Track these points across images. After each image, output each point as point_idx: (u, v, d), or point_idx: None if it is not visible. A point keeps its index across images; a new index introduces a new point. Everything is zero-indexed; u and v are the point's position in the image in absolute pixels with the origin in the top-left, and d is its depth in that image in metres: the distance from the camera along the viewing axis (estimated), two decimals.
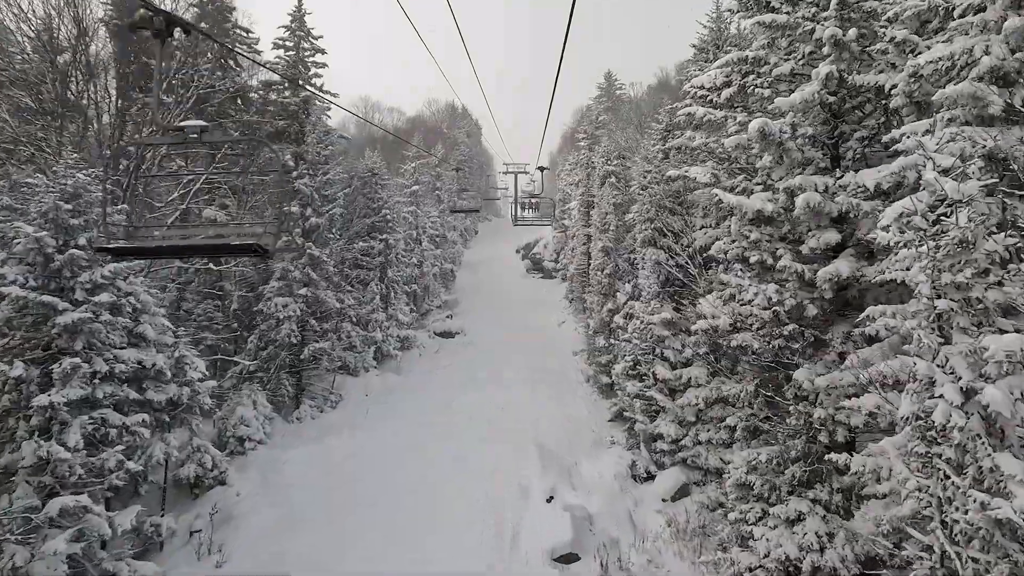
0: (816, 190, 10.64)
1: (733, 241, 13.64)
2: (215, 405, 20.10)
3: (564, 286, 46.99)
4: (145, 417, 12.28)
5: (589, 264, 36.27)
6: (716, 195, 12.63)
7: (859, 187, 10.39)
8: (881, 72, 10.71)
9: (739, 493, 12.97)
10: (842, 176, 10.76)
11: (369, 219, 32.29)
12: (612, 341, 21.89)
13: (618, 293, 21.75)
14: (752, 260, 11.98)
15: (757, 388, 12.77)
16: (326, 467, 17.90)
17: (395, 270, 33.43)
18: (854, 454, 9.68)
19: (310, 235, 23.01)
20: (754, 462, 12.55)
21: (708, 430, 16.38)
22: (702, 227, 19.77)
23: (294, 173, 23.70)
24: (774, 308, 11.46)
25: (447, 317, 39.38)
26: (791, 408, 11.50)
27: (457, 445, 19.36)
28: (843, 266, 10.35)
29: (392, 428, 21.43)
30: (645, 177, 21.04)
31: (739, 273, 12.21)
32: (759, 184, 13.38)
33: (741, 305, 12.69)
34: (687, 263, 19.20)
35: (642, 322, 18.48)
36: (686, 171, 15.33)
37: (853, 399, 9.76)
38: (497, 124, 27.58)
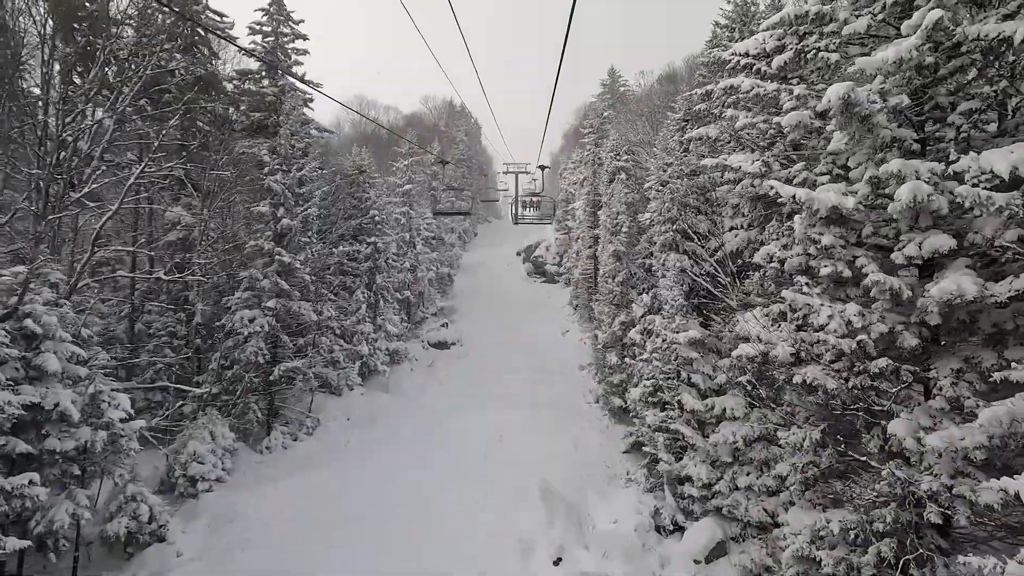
0: (919, 178, 7.83)
1: (790, 246, 10.84)
2: (165, 438, 17.47)
3: (567, 291, 44.23)
4: (34, 477, 9.49)
5: (596, 269, 33.50)
6: (770, 188, 9.81)
7: (982, 173, 7.58)
8: (1008, 19, 7.92)
9: (800, 568, 10.17)
10: (956, 160, 7.95)
11: (355, 221, 29.55)
12: (627, 360, 19.08)
13: (633, 305, 18.94)
14: (823, 271, 9.16)
15: (825, 435, 9.94)
16: (289, 516, 15.09)
17: (385, 276, 30.66)
18: (981, 546, 6.90)
19: (282, 239, 20.22)
20: (822, 531, 9.75)
21: (748, 473, 13.56)
22: (731, 228, 17.01)
23: (265, 169, 20.95)
24: (857, 336, 8.65)
25: (443, 326, 36.59)
26: (880, 468, 8.69)
27: (447, 486, 16.55)
28: (966, 283, 7.51)
29: (373, 462, 18.63)
30: (665, 171, 18.25)
31: (804, 288, 9.38)
32: (823, 174, 10.59)
33: (802, 329, 9.90)
34: (716, 271, 16.40)
35: (664, 340, 15.67)
36: (724, 159, 12.48)
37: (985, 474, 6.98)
38: (497, 122, 25.52)
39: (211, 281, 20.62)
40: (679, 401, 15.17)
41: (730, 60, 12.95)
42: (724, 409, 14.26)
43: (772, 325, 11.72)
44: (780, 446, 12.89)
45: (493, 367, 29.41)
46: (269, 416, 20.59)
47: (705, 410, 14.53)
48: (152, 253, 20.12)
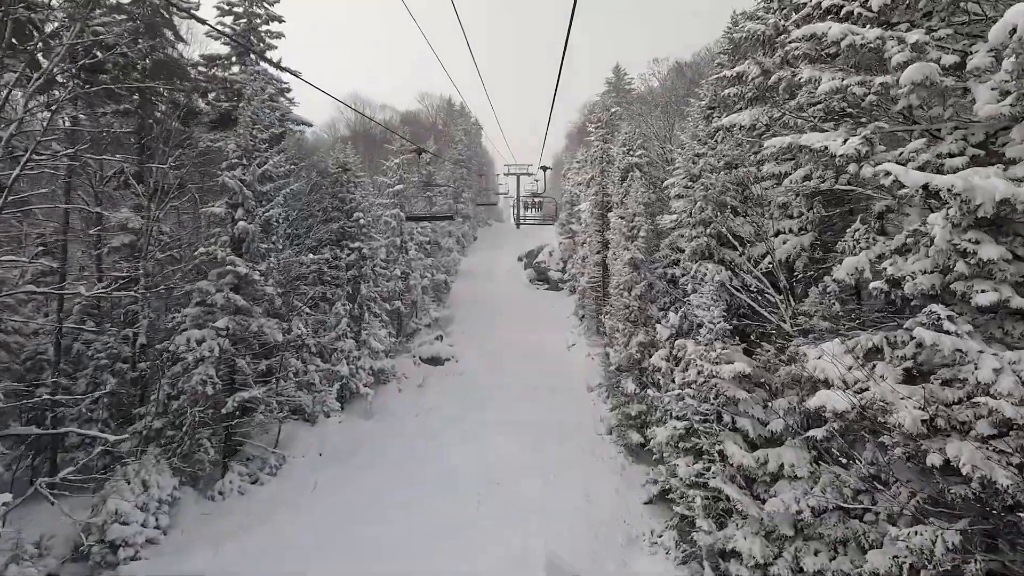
0: None
1: (896, 257, 7.69)
2: (91, 486, 14.39)
3: (572, 299, 41.12)
4: None
5: (606, 278, 30.38)
6: (883, 175, 6.70)
7: None
8: None
9: None
10: None
11: (337, 224, 26.50)
12: (649, 391, 15.94)
13: (658, 325, 15.76)
14: (981, 298, 6.05)
15: (968, 538, 6.78)
16: None
17: (371, 285, 27.58)
18: None
19: (239, 245, 17.13)
20: None
21: (817, 553, 10.40)
22: (778, 232, 13.91)
23: (224, 164, 17.91)
24: None
25: (437, 338, 33.45)
26: None
27: (430, 549, 13.41)
28: None
29: (344, 511, 15.50)
30: (695, 163, 15.13)
31: (949, 324, 6.25)
32: (954, 155, 7.46)
33: (943, 385, 6.78)
34: (763, 285, 13.25)
35: (701, 373, 12.51)
36: (797, 139, 9.35)
37: None
38: (499, 121, 23.01)
39: (156, 294, 17.57)
40: (721, 451, 12.02)
41: (803, 2, 9.81)
42: (781, 465, 11.12)
43: (858, 363, 8.60)
44: (866, 522, 9.74)
45: (491, 386, 26.27)
46: (224, 454, 17.46)
47: (756, 465, 11.37)
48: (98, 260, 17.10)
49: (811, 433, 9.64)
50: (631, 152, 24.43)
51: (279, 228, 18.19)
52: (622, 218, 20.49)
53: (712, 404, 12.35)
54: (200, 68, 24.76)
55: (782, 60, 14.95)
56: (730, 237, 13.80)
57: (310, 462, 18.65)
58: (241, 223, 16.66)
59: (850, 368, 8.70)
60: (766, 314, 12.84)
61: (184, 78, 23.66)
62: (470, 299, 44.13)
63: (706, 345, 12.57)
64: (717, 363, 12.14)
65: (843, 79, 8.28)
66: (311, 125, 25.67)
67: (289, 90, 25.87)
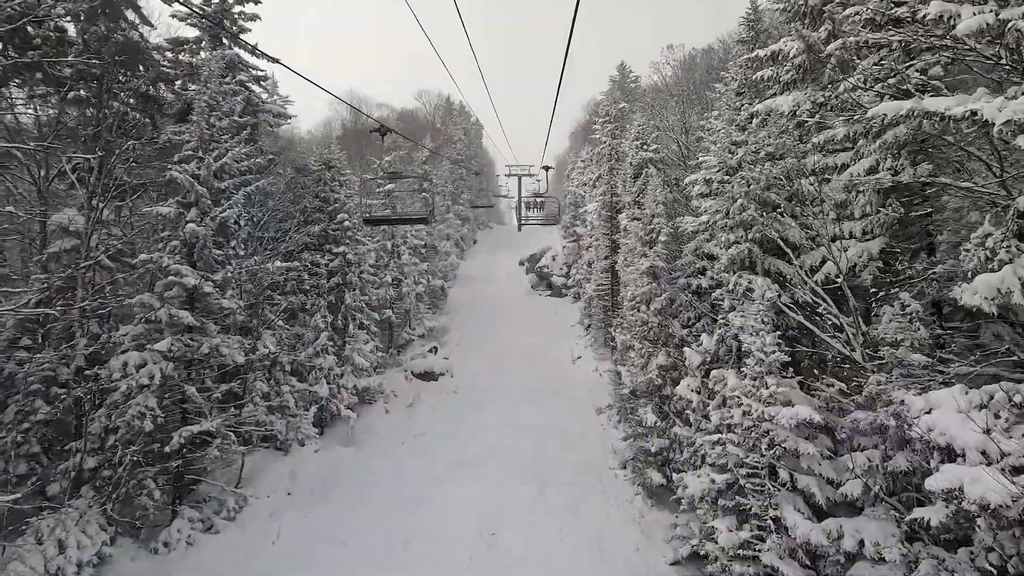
0: None
1: None
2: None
3: (577, 306, 38.58)
4: None
5: (615, 285, 27.81)
6: None
7: None
8: None
9: None
10: None
11: (319, 227, 23.98)
12: (676, 428, 13.36)
13: (686, 348, 13.12)
14: None
15: None
16: None
17: (357, 294, 25.01)
18: None
19: (191, 250, 14.58)
20: None
21: None
22: (836, 237, 11.36)
23: (175, 156, 15.40)
24: None
25: (431, 350, 30.88)
26: None
27: None
28: None
29: (307, 570, 12.91)
30: (733, 153, 12.57)
31: None
32: None
33: None
34: (821, 302, 10.67)
35: (747, 413, 9.92)
36: (920, 104, 6.76)
37: None
38: (500, 119, 20.85)
39: (100, 307, 15.03)
40: (777, 517, 9.42)
41: None
42: (861, 541, 8.52)
43: (1004, 421, 6.05)
44: None
45: (489, 408, 23.68)
46: (175, 496, 14.90)
47: (827, 540, 8.77)
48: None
49: (920, 515, 7.05)
50: (645, 146, 21.88)
51: (240, 231, 15.64)
52: (637, 220, 17.92)
53: (764, 455, 9.76)
54: (165, 53, 22.28)
55: (829, 33, 12.51)
56: (781, 243, 11.22)
57: (276, 503, 16.07)
58: (191, 225, 14.11)
59: (988, 431, 6.12)
60: (828, 339, 10.24)
61: (146, 63, 21.21)
62: (468, 305, 41.61)
63: (754, 380, 9.97)
64: (770, 403, 9.54)
65: (998, 10, 5.67)
66: (290, 117, 23.18)
67: (266, 78, 23.35)
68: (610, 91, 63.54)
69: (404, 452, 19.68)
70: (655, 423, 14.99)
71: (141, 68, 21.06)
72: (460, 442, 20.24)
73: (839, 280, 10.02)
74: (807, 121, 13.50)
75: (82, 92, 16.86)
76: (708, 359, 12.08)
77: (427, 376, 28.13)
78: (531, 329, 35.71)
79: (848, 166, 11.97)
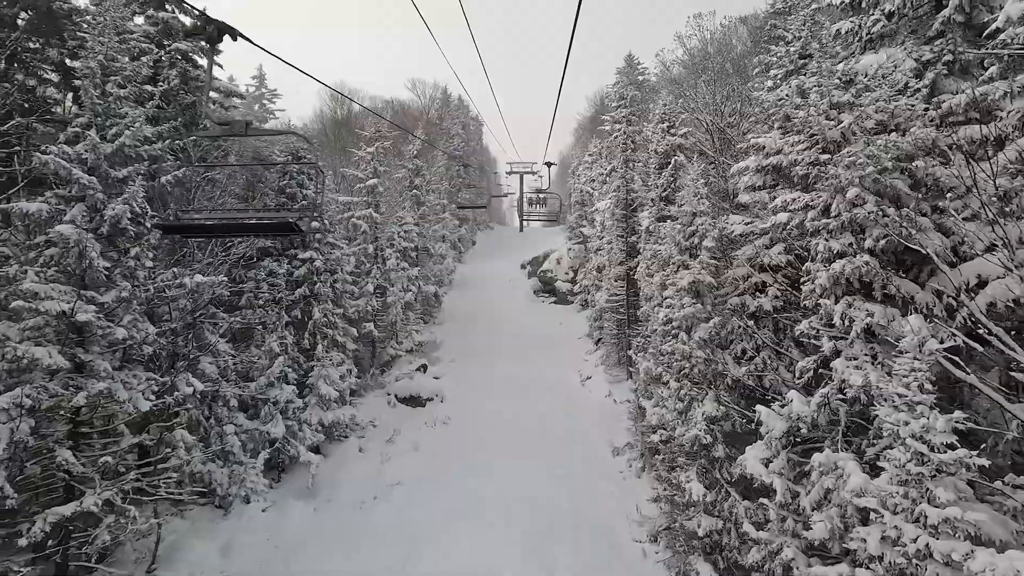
0: None
1: None
2: None
3: (584, 315, 34.64)
4: None
5: (631, 295, 23.90)
6: None
7: None
8: None
9: None
10: None
11: None
12: (737, 508, 9.44)
13: (761, 409, 9.13)
14: None
15: None
16: None
17: (329, 307, 21.14)
18: None
19: (79, 263, 10.65)
20: None
21: None
22: (992, 246, 7.43)
23: (61, 138, 11.52)
24: None
25: (419, 369, 27.00)
26: None
27: None
28: None
29: None
30: (835, 120, 8.63)
31: None
32: None
33: None
34: (1001, 346, 6.70)
35: (897, 542, 5.98)
36: None
37: None
38: (501, 110, 18.13)
39: None
40: None
41: None
42: None
43: None
44: None
45: (484, 443, 19.78)
46: None
47: None
48: None
49: None
50: (672, 130, 17.93)
51: (148, 235, 11.73)
52: (669, 219, 13.99)
53: None
54: (87, 17, 18.43)
55: None
56: (934, 254, 7.26)
57: None
58: (65, 228, 10.19)
59: None
60: (1018, 413, 6.29)
61: (65, 29, 17.39)
62: (465, 314, 37.65)
63: (904, 484, 6.00)
64: (945, 532, 5.58)
65: None
66: (243, 97, 19.27)
67: (219, 52, 19.39)
68: (617, 84, 59.35)
69: (375, 513, 15.76)
70: (702, 496, 11.04)
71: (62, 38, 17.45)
72: (446, 496, 16.32)
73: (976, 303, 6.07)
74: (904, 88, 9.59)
75: None
76: (800, 427, 8.14)
77: (413, 401, 24.23)
78: (534, 342, 31.79)
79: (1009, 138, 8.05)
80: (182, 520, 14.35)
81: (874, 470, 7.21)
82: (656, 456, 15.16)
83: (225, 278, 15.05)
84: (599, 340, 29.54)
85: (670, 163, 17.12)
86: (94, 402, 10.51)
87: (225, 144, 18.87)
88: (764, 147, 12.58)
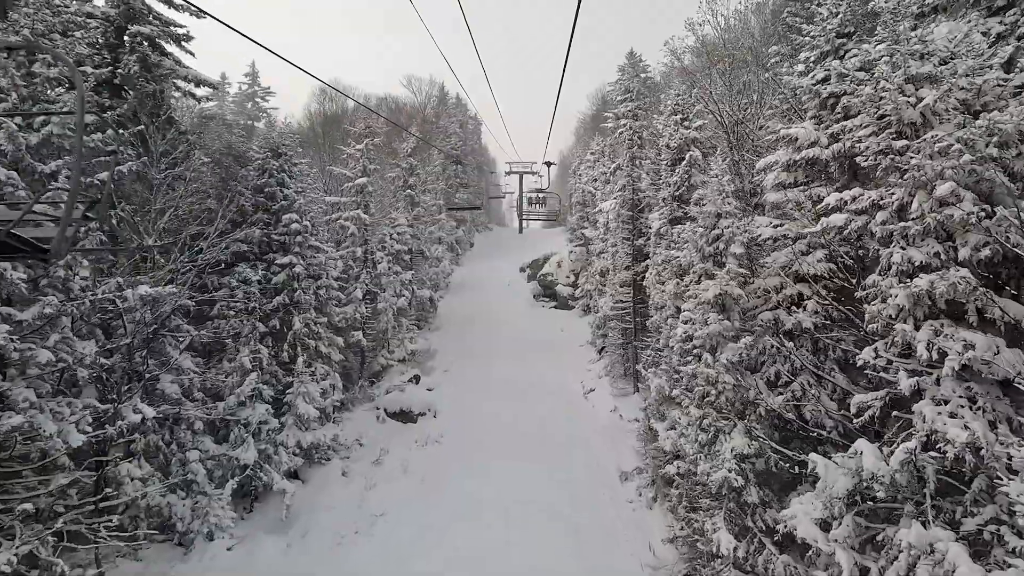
0: None
1: None
2: None
3: (587, 320, 32.97)
4: None
5: (638, 303, 22.22)
6: None
7: None
8: None
9: None
10: None
11: (260, 230, 18.49)
12: (776, 566, 7.79)
13: (819, 461, 7.39)
14: None
15: None
16: None
17: (313, 315, 19.48)
18: None
19: None
20: None
21: None
22: None
23: None
24: None
25: (412, 380, 25.33)
26: None
27: None
28: None
29: None
30: (910, 98, 6.94)
31: None
32: None
33: None
34: None
35: None
36: None
37: None
38: (500, 109, 16.97)
39: None
40: None
41: None
42: None
43: None
44: None
45: (480, 467, 18.08)
46: None
47: None
48: None
49: None
50: (687, 122, 16.24)
51: (85, 237, 10.05)
52: (690, 220, 12.29)
53: None
54: None
55: None
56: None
57: None
58: None
59: None
60: None
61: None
62: (461, 320, 35.95)
63: None
64: None
65: None
66: (215, 87, 17.56)
67: (188, 38, 17.66)
68: (621, 78, 57.98)
69: (355, 548, 14.06)
70: (733, 548, 9.34)
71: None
72: (433, 535, 14.54)
73: None
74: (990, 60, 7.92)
75: None
76: (872, 487, 6.44)
77: (404, 416, 22.52)
78: (534, 349, 30.11)
79: None
80: (134, 562, 12.66)
81: (973, 547, 5.53)
82: (671, 487, 13.49)
83: (184, 287, 13.30)
84: (602, 348, 27.86)
85: (684, 159, 15.44)
86: (7, 439, 8.80)
87: (192, 138, 17.18)
88: (796, 139, 10.92)
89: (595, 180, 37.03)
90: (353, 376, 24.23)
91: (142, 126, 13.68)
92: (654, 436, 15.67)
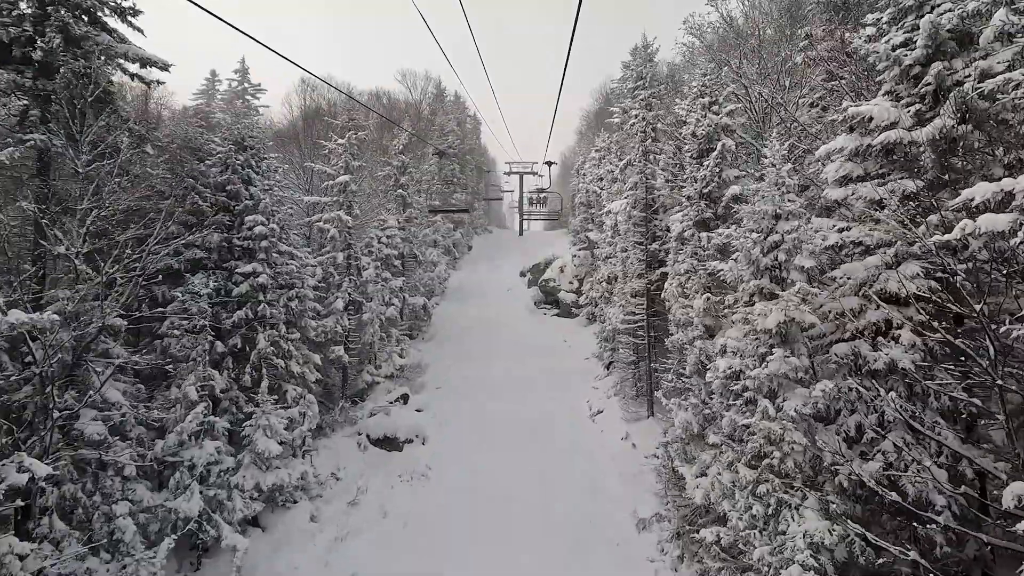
0: None
1: None
2: None
3: (591, 330, 30.36)
4: None
5: (653, 315, 19.67)
6: None
7: None
8: None
9: None
10: None
11: (219, 235, 16.03)
12: None
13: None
14: None
15: None
16: None
17: (282, 332, 17.00)
18: None
19: None
20: None
21: None
22: None
23: None
24: None
25: (399, 400, 22.73)
26: None
27: None
28: None
29: None
30: None
31: None
32: None
33: None
34: None
35: None
36: None
37: None
38: (500, 107, 14.94)
39: None
40: None
41: None
42: None
43: None
44: None
45: (474, 510, 15.53)
46: None
47: None
48: None
49: None
50: (715, 107, 13.69)
51: None
52: (734, 224, 9.76)
53: None
54: None
55: None
56: None
57: None
58: None
59: None
60: None
61: None
62: (457, 329, 33.38)
63: None
64: None
65: None
66: (166, 68, 15.05)
67: (135, 12, 15.12)
68: (623, 79, 55.50)
69: None
70: None
71: None
72: None
73: None
74: None
75: None
76: None
77: (388, 443, 19.95)
78: (535, 363, 27.54)
79: None
80: None
81: None
82: (705, 551, 10.91)
83: (118, 303, 10.83)
84: (610, 364, 25.30)
85: (714, 149, 12.89)
86: None
87: (138, 129, 14.66)
88: (871, 119, 8.41)
89: (601, 179, 34.49)
90: (334, 395, 21.73)
91: (58, 107, 11.16)
92: (679, 479, 13.16)
